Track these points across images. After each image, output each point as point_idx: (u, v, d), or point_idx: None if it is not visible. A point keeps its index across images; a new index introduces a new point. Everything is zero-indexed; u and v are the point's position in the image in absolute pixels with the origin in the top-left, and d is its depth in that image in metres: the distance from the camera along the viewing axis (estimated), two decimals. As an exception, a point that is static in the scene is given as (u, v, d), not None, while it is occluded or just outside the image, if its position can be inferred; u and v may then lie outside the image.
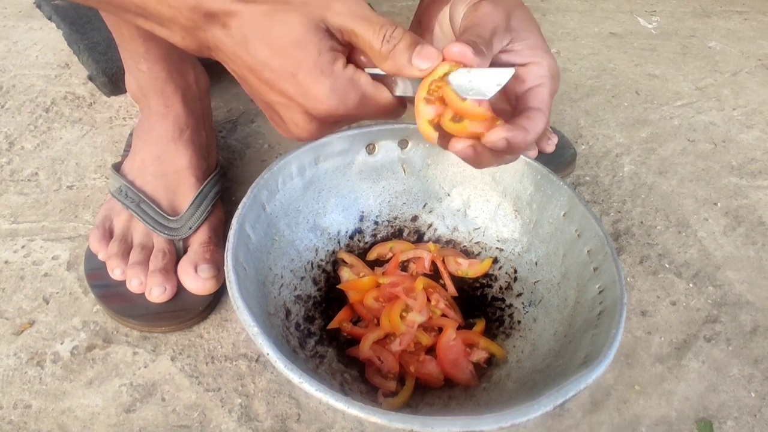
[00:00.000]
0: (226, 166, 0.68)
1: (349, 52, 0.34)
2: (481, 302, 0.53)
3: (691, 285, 0.60)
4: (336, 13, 0.31)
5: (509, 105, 0.37)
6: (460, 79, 0.31)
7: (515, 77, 0.35)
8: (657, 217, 0.69)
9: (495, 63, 0.35)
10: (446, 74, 0.31)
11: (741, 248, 0.66)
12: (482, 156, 0.32)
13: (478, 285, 0.54)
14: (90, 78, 0.68)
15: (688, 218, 0.69)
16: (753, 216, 0.71)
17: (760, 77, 1.07)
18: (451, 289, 0.53)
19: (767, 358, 0.53)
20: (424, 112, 0.32)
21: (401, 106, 0.35)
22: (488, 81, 0.30)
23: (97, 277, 0.51)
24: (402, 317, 0.47)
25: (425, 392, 0.44)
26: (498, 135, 0.31)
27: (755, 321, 0.57)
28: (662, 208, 0.70)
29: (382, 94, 0.33)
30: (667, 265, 0.62)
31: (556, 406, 0.33)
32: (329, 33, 0.31)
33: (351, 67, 0.32)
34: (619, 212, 0.69)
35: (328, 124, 0.34)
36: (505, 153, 0.32)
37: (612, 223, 0.67)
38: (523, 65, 0.35)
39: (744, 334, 0.55)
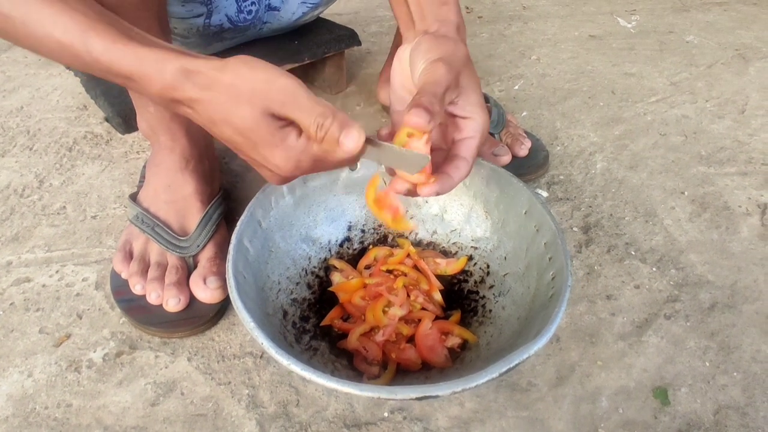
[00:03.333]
0: (230, 189, 0.76)
1: None
2: (458, 296, 0.59)
3: (654, 269, 0.65)
4: (277, 102, 0.37)
5: (446, 145, 0.47)
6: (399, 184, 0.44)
7: (454, 126, 0.45)
8: (626, 209, 0.74)
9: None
10: (409, 135, 0.41)
11: (705, 232, 0.71)
12: (418, 193, 0.44)
13: (455, 281, 0.61)
14: (107, 119, 0.77)
15: (655, 208, 0.74)
16: (719, 201, 0.76)
17: (735, 67, 1.11)
18: (437, 283, 0.59)
19: (723, 331, 0.58)
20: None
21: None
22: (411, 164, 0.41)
23: (121, 293, 0.59)
24: (384, 312, 0.54)
25: (405, 375, 0.51)
26: (431, 190, 0.43)
27: (714, 298, 0.62)
28: (631, 200, 0.76)
29: (335, 153, 0.39)
30: (633, 253, 0.67)
31: (501, 374, 0.39)
32: (276, 116, 0.38)
33: (303, 138, 0.39)
34: (590, 206, 0.74)
35: (295, 177, 0.42)
36: (436, 194, 0.43)
37: (583, 217, 0.73)
38: (463, 118, 0.44)
39: (702, 311, 0.60)
